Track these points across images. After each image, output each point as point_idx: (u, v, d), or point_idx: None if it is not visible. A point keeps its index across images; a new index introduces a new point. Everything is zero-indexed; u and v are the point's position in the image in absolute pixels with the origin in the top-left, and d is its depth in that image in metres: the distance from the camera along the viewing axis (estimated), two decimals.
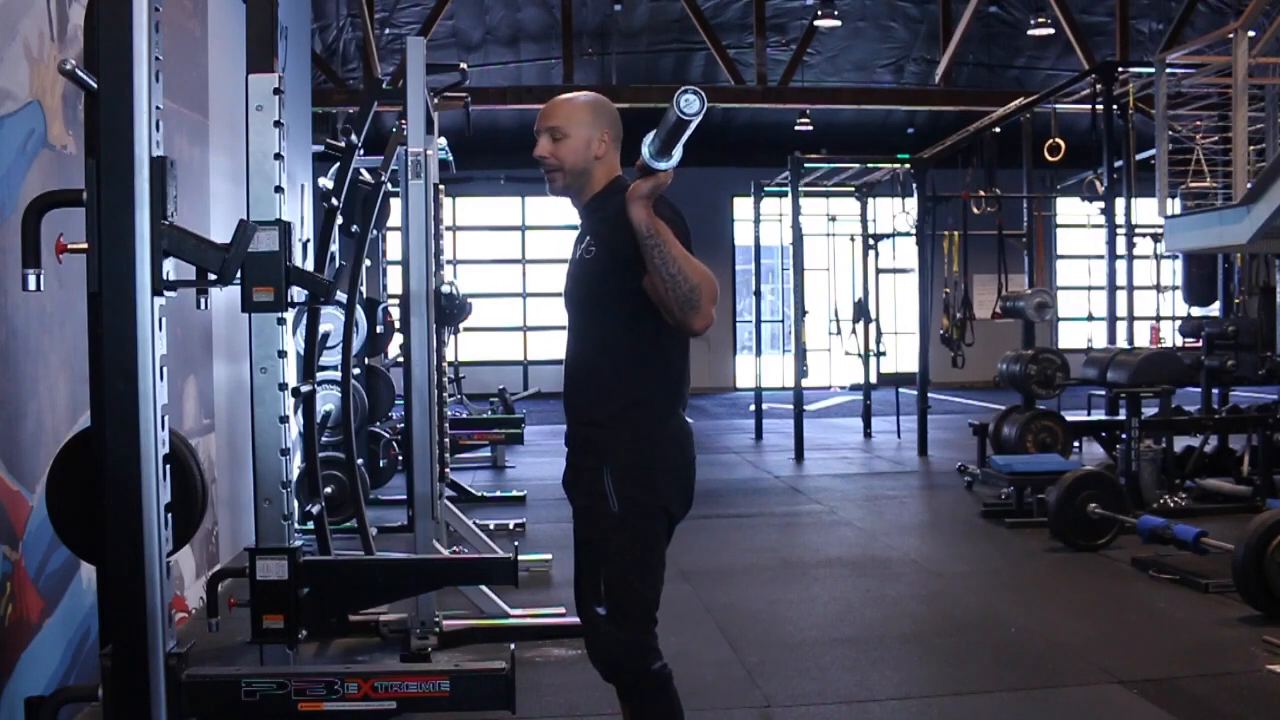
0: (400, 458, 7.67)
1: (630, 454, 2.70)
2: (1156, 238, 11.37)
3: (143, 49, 2.39)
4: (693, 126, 2.29)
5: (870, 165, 12.29)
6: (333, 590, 3.39)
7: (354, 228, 6.10)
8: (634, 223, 2.47)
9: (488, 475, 9.82)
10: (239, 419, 5.90)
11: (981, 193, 11.16)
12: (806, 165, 11.56)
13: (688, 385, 2.86)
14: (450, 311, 5.29)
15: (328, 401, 6.84)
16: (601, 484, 2.68)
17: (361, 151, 5.56)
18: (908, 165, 11.38)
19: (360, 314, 6.68)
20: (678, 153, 2.40)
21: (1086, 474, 6.56)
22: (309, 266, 6.01)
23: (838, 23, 13.47)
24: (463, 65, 6.04)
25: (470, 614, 4.91)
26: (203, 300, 2.93)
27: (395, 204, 6.36)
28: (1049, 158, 11.55)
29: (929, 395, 11.04)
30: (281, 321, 3.27)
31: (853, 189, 13.18)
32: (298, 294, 2.91)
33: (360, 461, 6.58)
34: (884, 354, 13.18)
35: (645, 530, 2.71)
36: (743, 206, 17.95)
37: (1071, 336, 18.11)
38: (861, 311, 12.67)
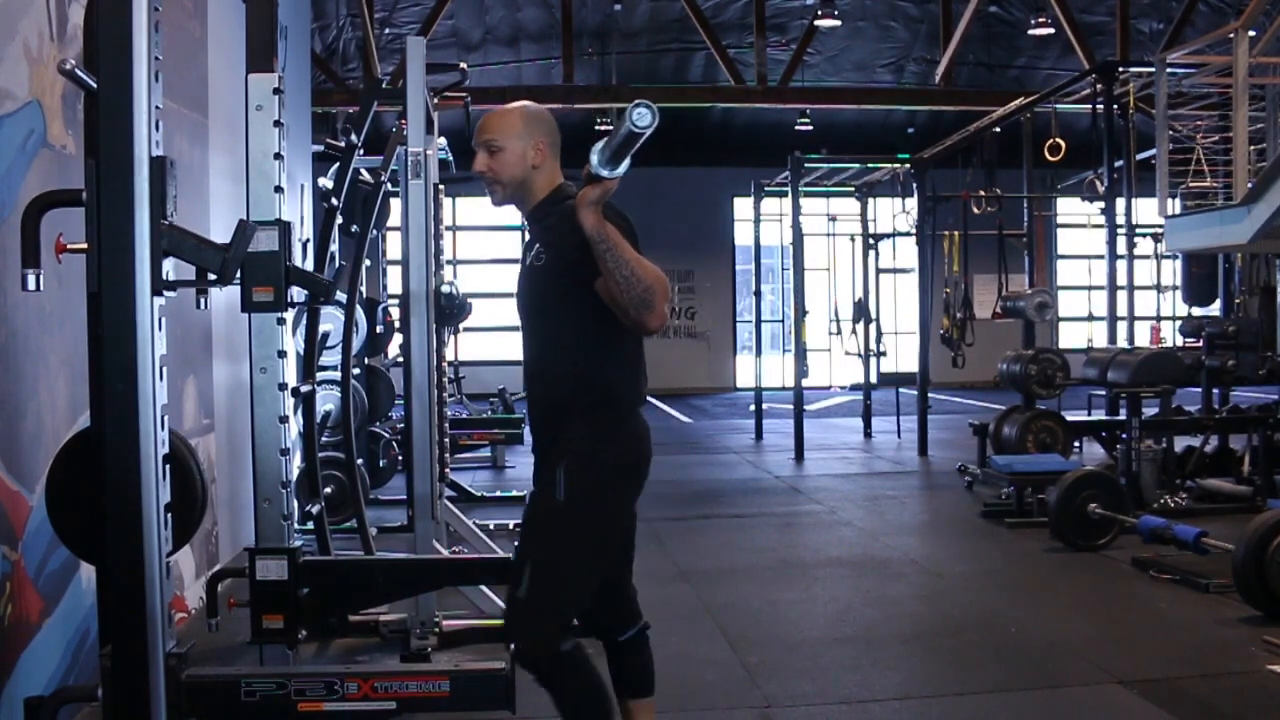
0: (400, 458, 7.67)
1: (586, 452, 2.74)
2: (1157, 238, 11.37)
3: (142, 49, 2.39)
4: (644, 138, 2.34)
5: (870, 165, 12.28)
6: (333, 590, 3.39)
7: (354, 228, 6.10)
8: (585, 229, 2.51)
9: (488, 475, 9.83)
10: (239, 419, 5.89)
11: (982, 193, 11.15)
12: (806, 165, 11.56)
13: (645, 383, 2.91)
14: (450, 311, 5.29)
15: (328, 401, 6.83)
16: (554, 475, 2.73)
17: (361, 151, 5.57)
18: (908, 165, 11.38)
19: (360, 314, 6.68)
20: (626, 162, 2.46)
21: (1087, 474, 6.55)
22: (309, 266, 6.01)
23: (838, 23, 13.48)
24: (463, 65, 6.04)
25: (470, 614, 4.91)
26: (203, 300, 2.92)
27: (395, 204, 6.37)
28: (1049, 158, 11.54)
29: (929, 395, 11.03)
30: (281, 321, 3.27)
31: (853, 189, 13.17)
32: (298, 294, 2.91)
33: (360, 461, 6.58)
34: (884, 354, 13.17)
35: (585, 526, 2.72)
36: (743, 206, 17.96)
37: (1071, 336, 18.11)
38: (861, 311, 12.66)
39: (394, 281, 7.84)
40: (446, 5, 13.13)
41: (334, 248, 6.46)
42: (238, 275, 2.67)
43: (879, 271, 12.95)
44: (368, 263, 6.88)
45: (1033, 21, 13.56)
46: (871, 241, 12.91)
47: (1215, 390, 8.74)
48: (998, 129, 11.42)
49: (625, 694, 2.99)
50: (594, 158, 2.45)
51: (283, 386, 3.30)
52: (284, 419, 3.31)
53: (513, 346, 19.56)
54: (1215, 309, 10.73)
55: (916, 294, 11.30)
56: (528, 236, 2.92)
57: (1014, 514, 7.30)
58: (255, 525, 3.38)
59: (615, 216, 2.64)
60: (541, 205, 2.84)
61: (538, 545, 2.74)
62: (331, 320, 6.90)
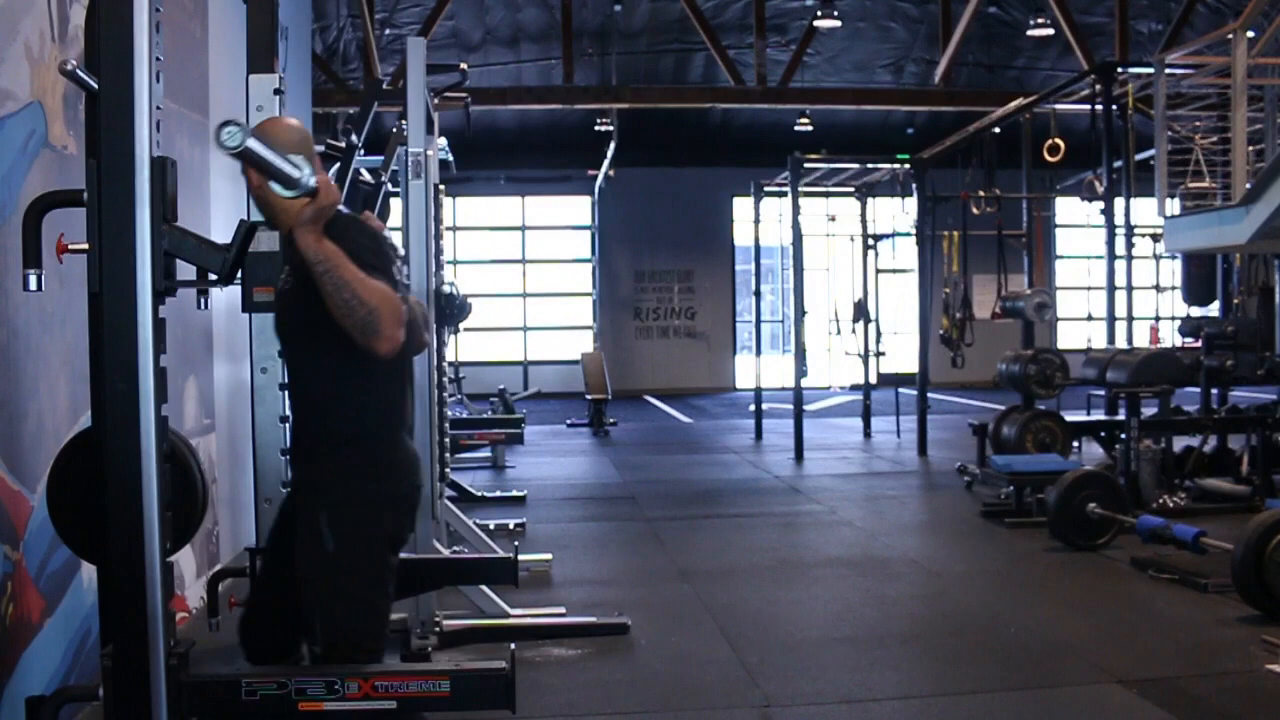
0: None
1: (346, 491, 2.67)
2: (1156, 238, 11.37)
3: (143, 49, 2.39)
4: (269, 155, 2.30)
5: (870, 165, 12.29)
6: None
7: None
8: (300, 250, 2.43)
9: (488, 475, 9.83)
10: (239, 419, 5.90)
11: (981, 193, 11.16)
12: (806, 165, 11.56)
13: (409, 410, 2.82)
14: (450, 311, 5.30)
15: None
16: (316, 523, 2.64)
17: (362, 151, 5.58)
18: (908, 165, 11.38)
19: None
20: (305, 175, 2.39)
21: (1086, 474, 6.56)
22: None
23: (838, 23, 13.47)
24: (463, 65, 6.05)
25: (470, 614, 4.92)
26: (203, 300, 2.93)
27: (395, 204, 6.37)
28: (1048, 158, 11.55)
29: (929, 395, 11.04)
30: None
31: (853, 189, 13.19)
32: None
33: None
34: (884, 354, 13.19)
35: (363, 567, 2.68)
36: (743, 206, 17.97)
37: (1071, 336, 18.13)
38: (861, 311, 12.67)
39: None
40: (447, 6, 13.13)
41: None
42: (238, 275, 2.67)
43: (879, 271, 12.97)
44: None
45: (1032, 22, 13.56)
46: (871, 241, 12.92)
47: (1214, 390, 8.74)
48: (997, 129, 11.43)
49: None
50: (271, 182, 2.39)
51: (283, 386, 3.31)
52: (284, 419, 3.31)
53: (513, 346, 19.65)
54: (1214, 309, 10.73)
55: (916, 294, 11.31)
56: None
57: (1013, 514, 7.31)
58: (255, 525, 3.39)
59: (357, 234, 2.54)
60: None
61: (326, 607, 2.65)
62: None
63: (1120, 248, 10.36)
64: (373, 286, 2.45)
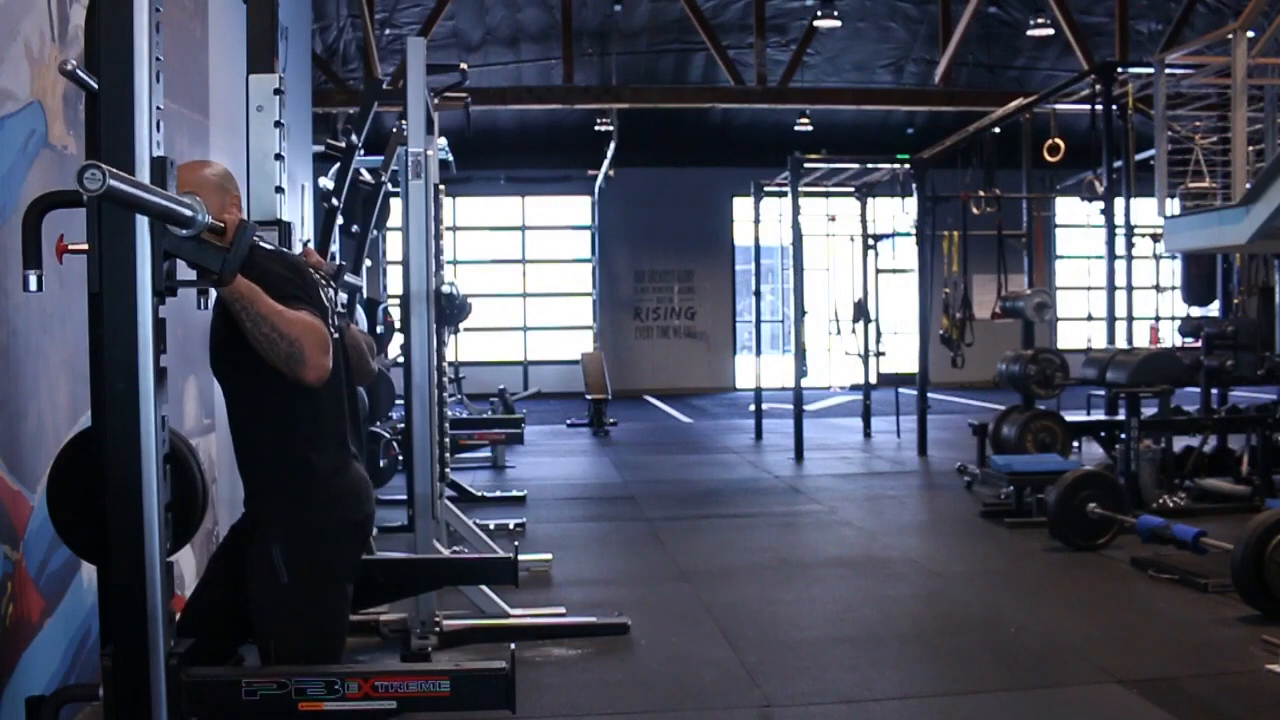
0: (400, 458, 7.68)
1: (298, 522, 2.67)
2: (1156, 238, 11.38)
3: (143, 49, 2.39)
4: (142, 194, 2.26)
5: (870, 165, 12.30)
6: None
7: (354, 228, 6.11)
8: (217, 292, 2.44)
9: (488, 475, 9.83)
10: None
11: (981, 193, 11.17)
12: (806, 165, 11.56)
13: (348, 433, 2.81)
14: (450, 311, 5.30)
15: None
16: (270, 555, 2.65)
17: (362, 151, 5.58)
18: (908, 165, 11.39)
19: (360, 314, 6.69)
20: (199, 214, 2.38)
21: (1086, 474, 6.56)
22: None
23: (838, 23, 13.47)
24: (463, 65, 6.05)
25: (470, 614, 4.92)
26: (202, 300, 2.93)
27: (395, 204, 6.38)
28: (1048, 158, 11.56)
29: (929, 395, 11.04)
30: None
31: (853, 189, 13.19)
32: None
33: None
34: (884, 354, 13.19)
35: (318, 598, 2.69)
36: (743, 206, 17.97)
37: (1071, 336, 18.14)
38: (861, 311, 12.68)
39: (394, 281, 7.85)
40: (447, 6, 13.13)
41: (334, 248, 6.47)
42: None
43: (879, 271, 12.97)
44: (368, 263, 6.88)
45: (1032, 22, 13.56)
46: (871, 241, 12.93)
47: (1214, 390, 8.74)
48: (997, 129, 11.43)
49: None
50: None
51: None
52: None
53: (513, 346, 19.69)
54: (1214, 309, 10.74)
55: (916, 294, 11.31)
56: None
57: (1013, 514, 7.31)
58: None
59: (267, 266, 2.55)
60: None
61: (282, 637, 2.66)
62: None
63: (1120, 248, 10.36)
64: (292, 318, 2.46)
